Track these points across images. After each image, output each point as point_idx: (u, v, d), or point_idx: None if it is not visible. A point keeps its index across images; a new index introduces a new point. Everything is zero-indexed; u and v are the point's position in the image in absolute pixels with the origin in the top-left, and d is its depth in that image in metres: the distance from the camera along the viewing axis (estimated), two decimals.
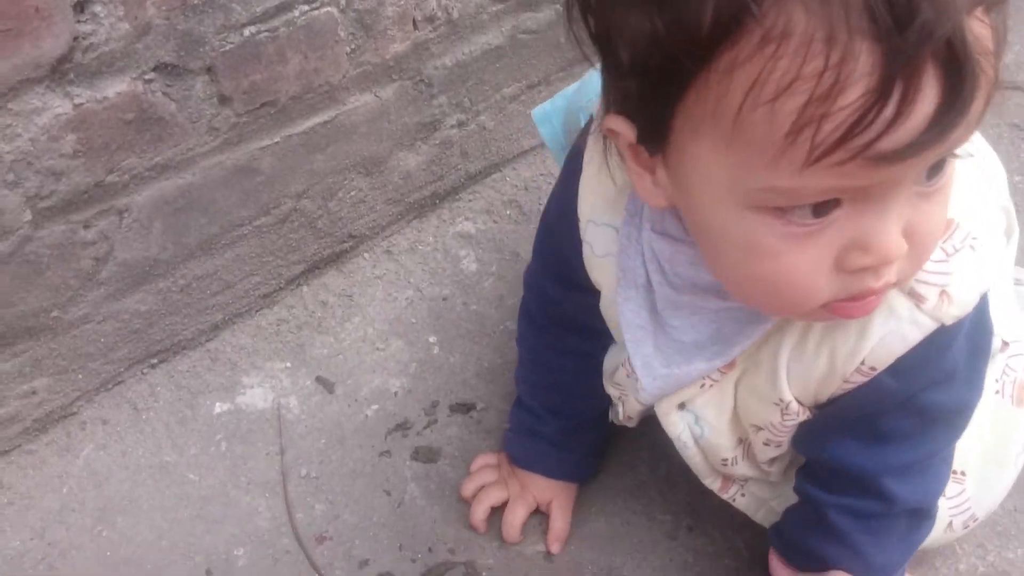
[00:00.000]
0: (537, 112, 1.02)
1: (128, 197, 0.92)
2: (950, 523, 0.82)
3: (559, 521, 0.93)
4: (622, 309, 0.66)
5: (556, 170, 1.28)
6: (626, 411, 0.82)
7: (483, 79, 1.16)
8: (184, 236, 0.99)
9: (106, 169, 0.89)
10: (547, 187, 1.28)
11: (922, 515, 0.74)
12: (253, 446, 1.01)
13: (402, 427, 1.03)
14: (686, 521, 0.94)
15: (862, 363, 0.62)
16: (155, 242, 0.97)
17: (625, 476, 0.98)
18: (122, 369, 1.03)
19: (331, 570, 0.91)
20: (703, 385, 0.70)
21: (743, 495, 0.84)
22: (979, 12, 0.44)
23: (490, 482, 0.96)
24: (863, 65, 0.42)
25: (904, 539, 0.75)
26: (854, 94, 0.43)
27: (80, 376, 1.00)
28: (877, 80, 0.42)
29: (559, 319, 0.88)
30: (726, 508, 0.94)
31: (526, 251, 1.20)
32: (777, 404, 0.67)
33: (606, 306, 0.75)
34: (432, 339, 1.11)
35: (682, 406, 0.73)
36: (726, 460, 0.77)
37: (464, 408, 1.04)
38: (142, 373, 1.05)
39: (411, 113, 1.11)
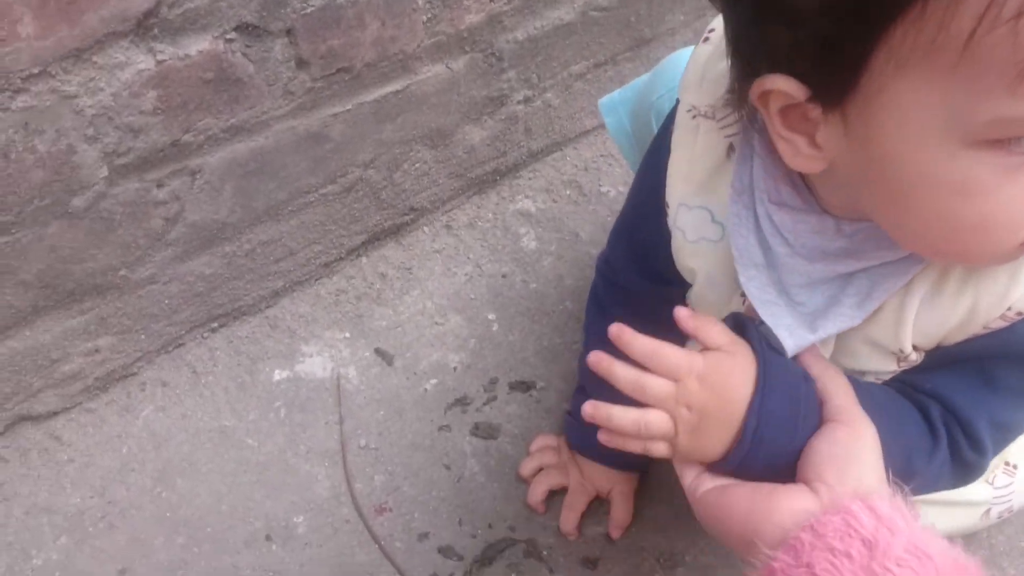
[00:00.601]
0: (604, 102, 1.00)
1: (202, 158, 0.91)
2: (988, 511, 0.81)
3: (621, 510, 0.92)
4: (748, 288, 0.64)
5: (617, 152, 1.27)
6: None
7: (552, 55, 1.14)
8: (253, 200, 0.98)
9: (183, 128, 0.88)
10: (607, 168, 1.27)
11: (974, 474, 0.70)
12: (312, 414, 1.01)
13: (461, 402, 1.02)
14: None
15: (1008, 308, 0.59)
16: (224, 205, 0.96)
17: None
18: (183, 332, 1.03)
19: (391, 542, 0.91)
20: None
21: None
22: None
23: (550, 464, 0.95)
24: None
25: (944, 483, 0.70)
26: None
27: (143, 337, 0.99)
28: None
29: (630, 309, 0.87)
30: None
31: (586, 232, 1.19)
32: (895, 354, 0.64)
33: (700, 292, 0.73)
34: (491, 316, 1.10)
35: None
36: None
37: (524, 386, 1.03)
38: (202, 337, 1.05)
39: (480, 87, 1.09)
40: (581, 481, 0.94)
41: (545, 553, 0.90)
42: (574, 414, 0.96)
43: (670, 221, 0.71)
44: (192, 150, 0.90)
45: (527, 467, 0.96)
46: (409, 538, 0.91)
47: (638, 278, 0.83)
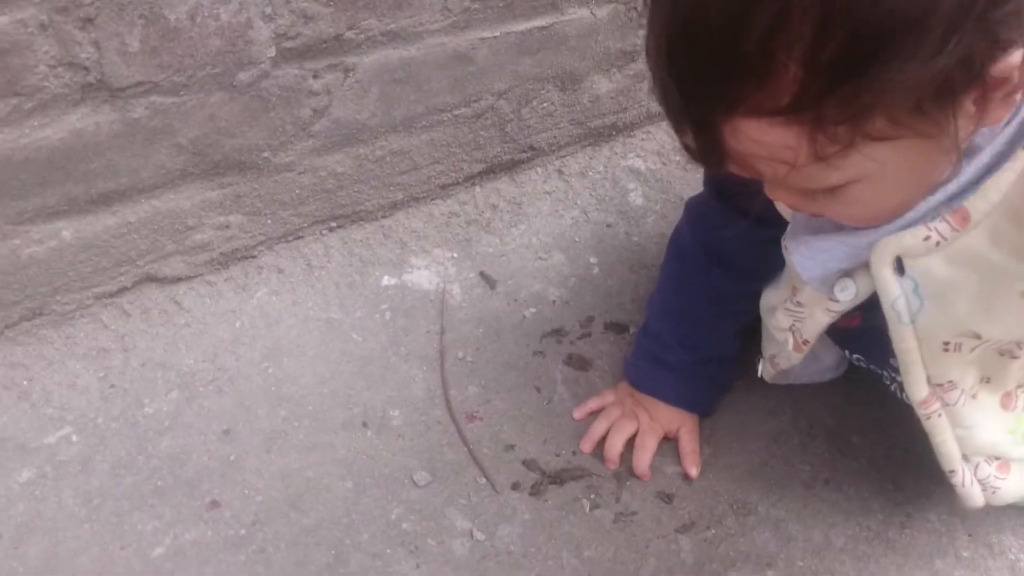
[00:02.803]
0: None
1: (358, 57, 0.96)
2: None
3: (691, 444, 0.95)
4: None
5: None
6: (804, 335, 0.82)
7: None
8: (393, 108, 1.02)
9: (348, 24, 0.92)
10: None
11: None
12: (415, 321, 1.05)
13: (557, 333, 1.06)
14: (824, 474, 0.96)
15: None
16: (367, 107, 1.00)
17: (767, 422, 1.00)
18: (304, 225, 1.07)
19: (479, 447, 0.95)
20: (928, 239, 0.64)
21: (940, 415, 0.77)
22: None
23: (618, 416, 0.98)
24: None
25: None
26: None
27: (269, 222, 1.04)
28: None
29: (712, 250, 0.91)
30: (865, 471, 0.96)
31: (690, 196, 1.22)
32: None
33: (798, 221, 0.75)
34: (593, 259, 1.14)
35: (900, 265, 0.67)
36: (947, 344, 0.71)
37: (618, 328, 1.07)
38: (320, 233, 1.10)
39: (616, 38, 1.13)
40: (650, 423, 0.96)
41: (629, 483, 0.94)
42: (638, 355, 0.99)
43: None
44: (351, 47, 0.95)
45: (600, 428, 0.96)
46: (496, 446, 0.95)
47: (728, 212, 0.86)
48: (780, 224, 0.79)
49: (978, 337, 0.70)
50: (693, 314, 0.95)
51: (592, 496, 0.92)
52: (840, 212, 0.65)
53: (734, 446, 0.98)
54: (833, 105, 0.52)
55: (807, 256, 0.72)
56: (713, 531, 0.91)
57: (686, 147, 0.60)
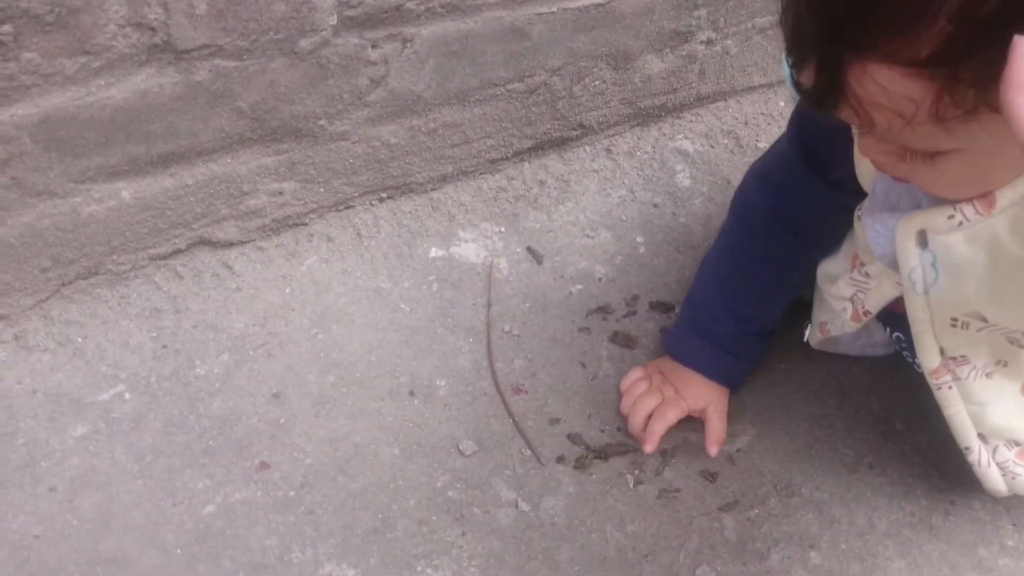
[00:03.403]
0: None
1: (416, 28, 0.96)
2: None
3: (719, 424, 0.95)
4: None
5: (776, 113, 1.30)
6: (866, 306, 0.82)
7: (742, 2, 1.17)
8: (448, 80, 1.03)
9: None
10: (765, 126, 1.29)
11: None
12: (462, 293, 1.06)
13: (603, 310, 1.06)
14: (868, 459, 0.96)
15: None
16: (423, 79, 1.01)
17: (812, 405, 1.00)
18: (355, 194, 1.08)
19: (524, 419, 0.95)
20: (952, 218, 0.66)
21: (951, 387, 0.79)
22: None
23: (643, 392, 0.97)
24: None
25: None
26: None
27: (321, 190, 1.05)
28: None
29: (785, 215, 0.90)
30: (910, 457, 0.96)
31: (737, 180, 1.21)
32: None
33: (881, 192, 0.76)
34: (639, 239, 1.14)
35: (923, 238, 0.69)
36: (955, 320, 0.73)
37: (663, 307, 1.07)
38: (370, 204, 1.10)
39: (671, 18, 1.13)
40: (674, 397, 0.95)
41: (675, 460, 0.94)
42: (680, 325, 0.99)
43: None
44: (411, 18, 0.95)
45: (625, 405, 0.96)
46: (541, 419, 0.96)
47: (809, 173, 0.86)
48: (860, 194, 0.79)
49: (984, 320, 0.72)
50: (748, 284, 0.95)
51: (636, 472, 0.93)
52: (928, 180, 0.65)
53: (778, 428, 0.98)
54: (970, 67, 0.51)
55: (882, 233, 0.73)
56: (756, 511, 0.91)
57: (798, 87, 0.59)
